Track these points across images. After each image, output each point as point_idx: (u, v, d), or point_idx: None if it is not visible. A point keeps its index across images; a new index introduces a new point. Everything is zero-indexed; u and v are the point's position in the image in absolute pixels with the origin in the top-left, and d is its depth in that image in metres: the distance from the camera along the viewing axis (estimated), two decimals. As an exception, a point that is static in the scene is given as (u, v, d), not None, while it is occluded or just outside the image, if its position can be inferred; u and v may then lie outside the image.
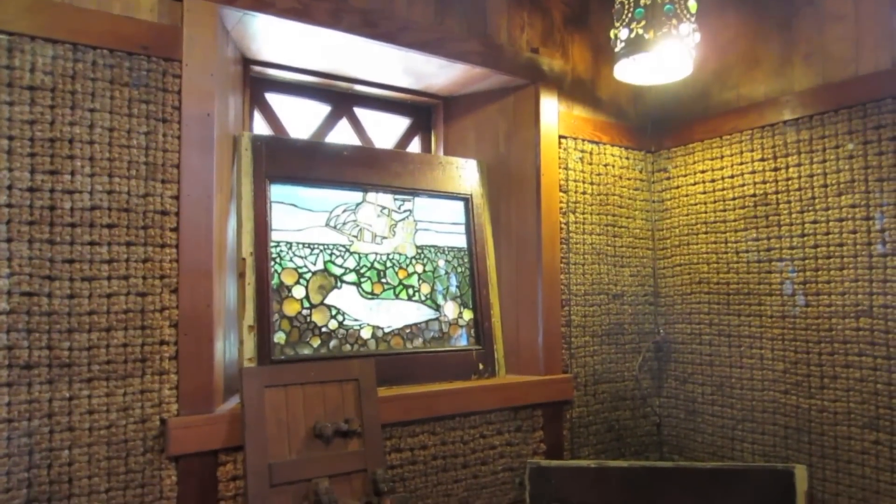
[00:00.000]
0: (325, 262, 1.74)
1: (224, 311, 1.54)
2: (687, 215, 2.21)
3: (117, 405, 1.33)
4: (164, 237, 1.39)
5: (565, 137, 2.08)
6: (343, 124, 2.07)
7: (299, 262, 1.70)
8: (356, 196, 1.83)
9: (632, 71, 1.84)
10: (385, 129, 2.17)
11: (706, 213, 2.14)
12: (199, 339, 1.42)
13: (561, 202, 2.05)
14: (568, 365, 2.05)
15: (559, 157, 2.05)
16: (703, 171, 2.15)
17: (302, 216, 1.72)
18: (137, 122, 1.37)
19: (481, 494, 1.85)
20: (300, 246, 1.71)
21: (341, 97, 2.06)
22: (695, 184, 2.18)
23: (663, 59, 1.77)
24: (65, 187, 1.29)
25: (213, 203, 1.45)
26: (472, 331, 1.97)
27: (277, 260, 1.66)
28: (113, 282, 1.33)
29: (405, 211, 1.91)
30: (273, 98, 1.94)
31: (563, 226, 2.06)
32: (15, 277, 1.24)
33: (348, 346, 1.73)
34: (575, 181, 2.10)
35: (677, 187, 2.24)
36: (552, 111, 2.04)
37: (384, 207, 1.87)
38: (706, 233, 2.14)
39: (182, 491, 1.39)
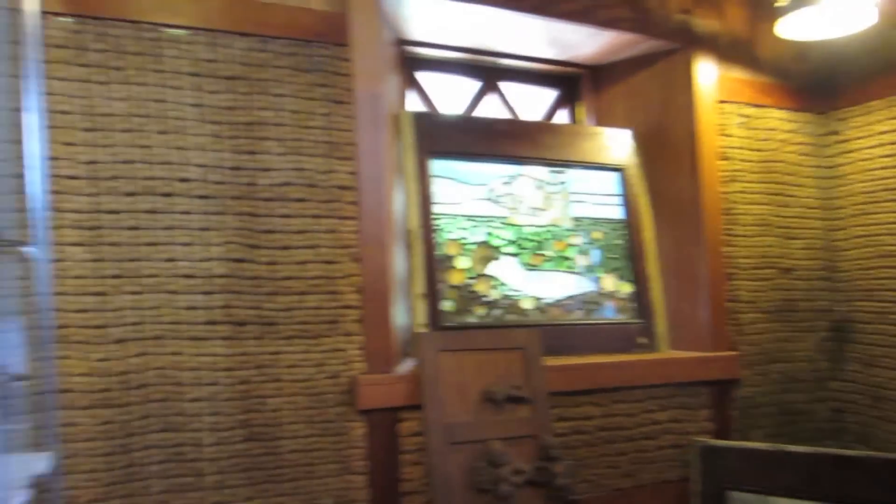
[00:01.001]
0: (485, 234, 1.85)
1: (396, 280, 1.69)
2: (866, 182, 2.09)
3: (313, 361, 1.51)
4: (345, 210, 1.56)
5: (724, 102, 2.05)
6: (490, 99, 2.18)
7: (461, 233, 1.82)
8: (512, 169, 1.92)
9: (796, 26, 1.79)
10: (531, 102, 2.25)
11: (890, 178, 2.01)
12: (380, 305, 1.57)
13: (722, 171, 2.02)
14: (735, 342, 2.01)
15: (718, 124, 2.03)
16: (884, 133, 2.03)
17: (461, 190, 1.85)
18: (317, 105, 1.55)
19: (647, 469, 1.87)
20: (461, 218, 1.83)
21: (488, 72, 2.17)
22: (875, 146, 2.06)
23: (836, 10, 1.71)
24: (261, 166, 1.49)
25: (387, 178, 1.60)
26: (632, 304, 1.99)
27: (441, 232, 1.79)
28: (304, 251, 1.52)
29: (559, 183, 1.98)
30: (423, 76, 2.09)
31: (724, 195, 2.03)
32: (227, 246, 1.46)
33: (511, 316, 1.83)
34: (736, 148, 2.06)
35: (853, 151, 2.13)
36: (708, 75, 2.02)
37: (539, 180, 1.95)
38: (890, 200, 2.01)
39: (370, 442, 1.55)
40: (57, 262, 1.34)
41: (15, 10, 1.22)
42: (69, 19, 1.34)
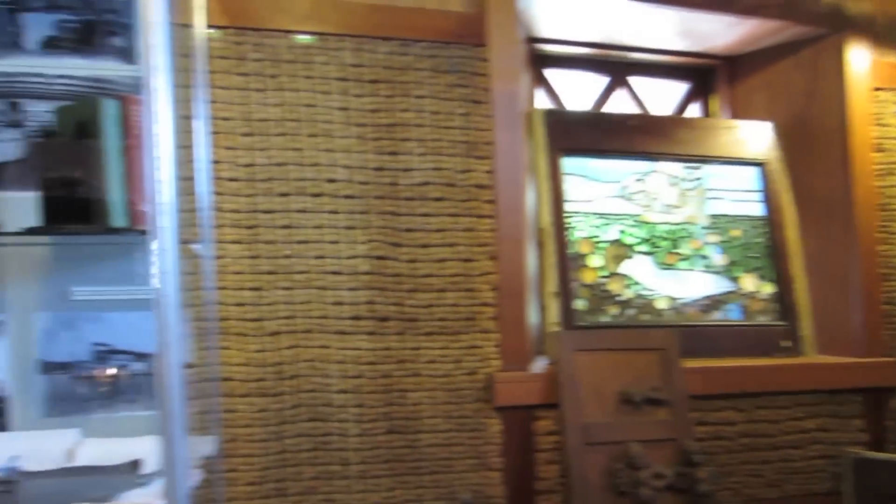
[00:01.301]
0: (618, 232, 1.82)
1: (530, 279, 1.69)
2: None
3: (451, 357, 1.54)
4: (482, 209, 1.58)
5: (879, 90, 1.90)
6: (618, 94, 2.13)
7: (593, 231, 1.80)
8: (644, 166, 1.88)
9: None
10: (660, 97, 2.18)
11: None
12: (516, 303, 1.58)
13: (877, 163, 1.88)
14: (892, 348, 1.87)
15: (872, 113, 1.89)
16: None
17: (593, 187, 1.82)
18: (455, 105, 1.58)
19: (793, 480, 1.77)
20: (594, 216, 1.80)
21: (616, 67, 2.13)
22: None
23: None
24: (402, 166, 1.54)
25: (522, 177, 1.61)
26: (773, 305, 1.89)
27: (573, 230, 1.78)
28: (443, 248, 1.55)
29: (695, 179, 1.91)
30: (550, 73, 2.07)
31: (879, 190, 1.88)
32: (371, 244, 1.52)
33: (645, 316, 1.78)
34: (893, 139, 1.91)
35: None
36: (862, 61, 1.88)
37: (673, 176, 1.90)
38: None
39: (506, 439, 1.56)
40: (218, 259, 1.44)
41: (184, 26, 1.32)
42: (231, 32, 1.44)
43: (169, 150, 1.07)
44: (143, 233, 1.11)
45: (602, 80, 2.14)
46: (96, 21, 1.36)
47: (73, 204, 1.09)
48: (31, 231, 1.13)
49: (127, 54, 1.38)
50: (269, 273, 1.47)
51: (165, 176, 1.07)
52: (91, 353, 1.39)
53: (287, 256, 1.47)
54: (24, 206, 1.31)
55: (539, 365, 1.65)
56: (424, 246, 1.54)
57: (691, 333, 1.77)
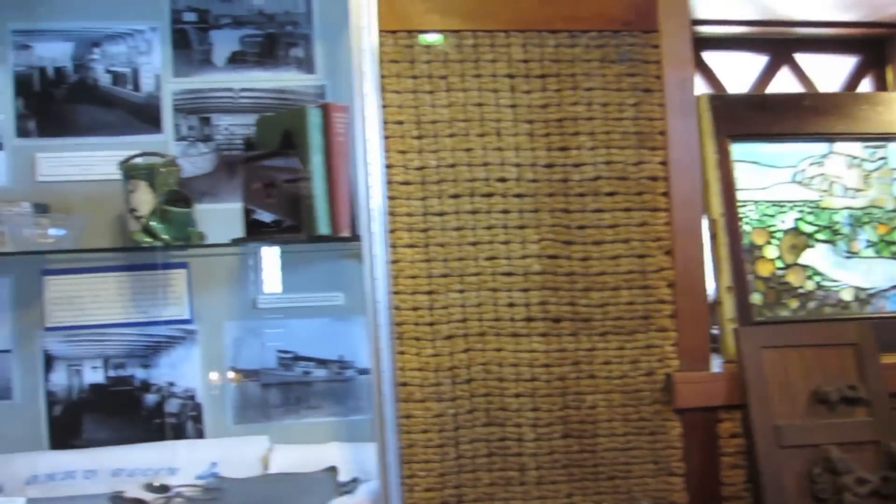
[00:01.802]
0: (794, 220, 1.70)
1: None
2: None
3: (627, 358, 1.50)
4: (656, 202, 1.51)
5: None
6: (780, 74, 2.00)
7: (768, 220, 1.69)
8: (820, 147, 1.75)
9: None
10: (825, 73, 2.03)
11: None
12: (693, 299, 1.51)
13: None
14: None
15: None
16: None
17: (765, 173, 1.72)
18: (626, 96, 1.52)
19: None
20: (767, 204, 1.70)
21: (778, 44, 1.99)
22: None
23: None
24: (573, 161, 1.50)
25: (697, 166, 1.54)
26: (975, 294, 1.73)
27: (746, 220, 1.68)
28: (616, 245, 1.50)
29: (879, 159, 1.77)
30: (708, 56, 1.97)
31: None
32: (542, 242, 1.49)
33: (828, 309, 1.67)
34: None
35: None
36: None
37: (854, 157, 1.76)
38: None
39: (687, 443, 1.50)
40: (393, 263, 1.45)
41: (357, 30, 1.32)
42: (402, 35, 1.44)
43: (378, 155, 1.08)
44: (352, 240, 1.14)
45: (761, 60, 2.01)
46: (277, 34, 1.40)
47: (277, 213, 1.12)
48: (238, 241, 1.17)
49: (306, 64, 1.41)
50: (443, 276, 1.47)
51: (376, 181, 1.08)
52: (276, 360, 1.43)
53: (460, 259, 1.47)
54: (215, 218, 1.36)
55: (716, 364, 1.58)
56: (597, 243, 1.50)
57: (883, 326, 1.64)
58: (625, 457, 1.50)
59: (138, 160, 1.24)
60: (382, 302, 1.09)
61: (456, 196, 1.47)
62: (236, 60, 1.40)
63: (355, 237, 1.17)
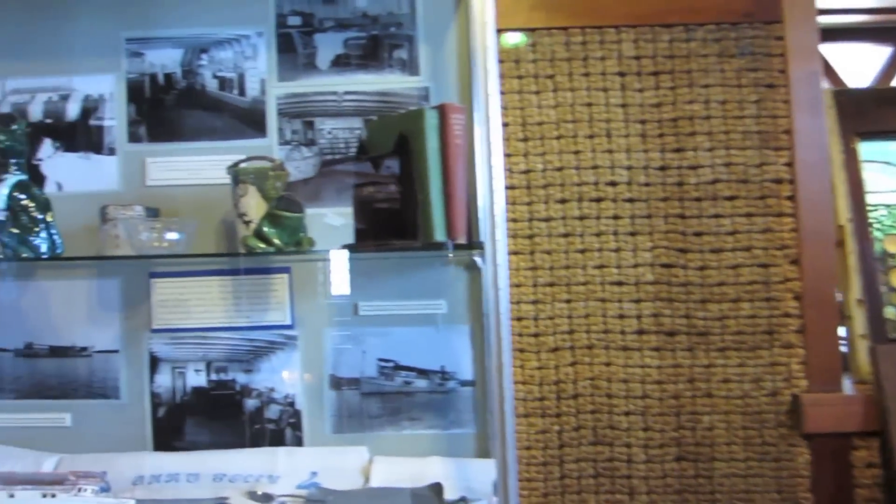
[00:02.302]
0: (935, 228, 1.56)
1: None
2: None
3: (749, 376, 1.39)
4: (780, 206, 1.41)
5: None
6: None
7: (904, 228, 1.55)
8: (965, 147, 1.60)
9: None
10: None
11: None
12: (824, 313, 1.39)
13: None
14: None
15: None
16: None
17: (899, 176, 1.58)
18: (747, 92, 1.42)
19: None
20: (904, 210, 1.56)
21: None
22: None
23: None
24: (688, 163, 1.41)
25: (827, 167, 1.42)
26: None
27: (876, 225, 1.55)
28: (737, 253, 1.40)
29: None
30: (825, 48, 1.83)
31: None
32: (656, 250, 1.41)
33: (976, 328, 1.51)
34: None
35: None
36: None
37: None
38: None
39: (816, 471, 1.38)
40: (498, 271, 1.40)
41: (480, 27, 1.28)
42: (506, 34, 1.40)
43: (500, 158, 1.04)
44: (470, 248, 1.10)
45: (883, 51, 1.86)
46: (381, 36, 1.38)
47: (390, 218, 1.09)
48: (349, 248, 1.15)
49: (409, 66, 1.38)
50: (549, 285, 1.41)
51: (499, 186, 1.04)
52: (376, 368, 1.41)
53: (567, 267, 1.40)
54: (319, 223, 1.35)
55: (846, 385, 1.45)
56: (716, 251, 1.40)
57: None
58: (745, 484, 1.39)
59: (247, 164, 1.24)
60: (504, 313, 1.04)
61: (563, 201, 1.41)
62: (340, 63, 1.39)
63: (472, 244, 1.13)
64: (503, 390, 1.07)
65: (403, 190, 1.07)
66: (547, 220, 1.41)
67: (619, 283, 1.41)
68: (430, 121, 1.06)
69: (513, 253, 1.40)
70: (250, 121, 1.40)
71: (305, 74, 1.39)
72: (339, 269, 1.37)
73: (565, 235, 1.41)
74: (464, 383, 1.41)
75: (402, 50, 1.38)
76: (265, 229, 1.10)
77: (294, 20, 1.38)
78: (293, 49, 1.39)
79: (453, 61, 1.39)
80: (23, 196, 1.13)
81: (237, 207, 1.23)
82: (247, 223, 1.22)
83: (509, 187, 1.40)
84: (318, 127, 1.39)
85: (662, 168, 1.41)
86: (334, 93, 1.38)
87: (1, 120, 1.32)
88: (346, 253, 1.17)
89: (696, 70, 1.42)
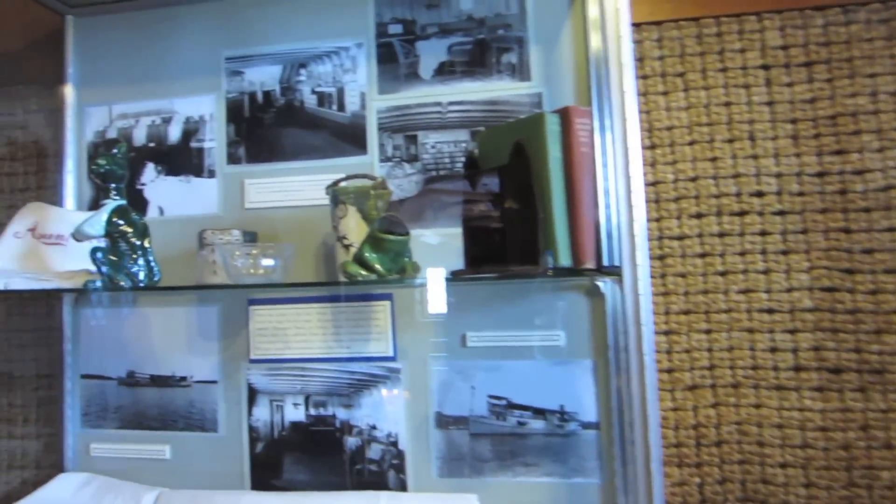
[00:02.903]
0: None
1: None
2: None
3: (942, 425, 1.15)
4: (974, 216, 1.17)
5: None
6: None
7: None
8: None
9: None
10: None
11: None
12: None
13: None
14: None
15: None
16: None
17: None
18: (926, 81, 1.20)
19: None
20: None
21: None
22: None
23: None
24: (853, 168, 1.20)
25: None
26: None
27: None
28: (919, 274, 1.17)
29: None
30: None
31: None
32: (814, 272, 1.20)
33: None
34: None
35: None
36: None
37: None
38: None
39: None
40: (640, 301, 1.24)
41: (614, 17, 1.15)
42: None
43: (639, 167, 0.90)
44: (601, 273, 0.96)
45: None
46: (488, 40, 1.27)
47: (506, 240, 0.96)
48: (459, 274, 1.03)
49: (520, 71, 1.26)
50: (684, 313, 1.23)
51: (639, 199, 0.90)
52: (487, 406, 1.27)
53: (705, 292, 1.22)
54: (422, 246, 1.25)
55: None
56: (891, 272, 1.18)
57: None
58: (938, 557, 1.14)
59: (347, 183, 1.15)
60: (649, 350, 0.89)
61: (699, 216, 1.24)
62: (444, 72, 1.29)
63: (601, 269, 0.98)
64: (648, 439, 0.91)
65: (521, 207, 0.94)
66: (680, 238, 1.24)
67: (770, 311, 1.21)
68: (552, 126, 0.92)
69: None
70: (350, 137, 1.32)
71: (407, 85, 1.30)
72: (444, 297, 1.25)
73: (702, 255, 1.23)
74: (586, 426, 1.24)
75: (511, 54, 1.26)
76: (366, 254, 1.00)
77: (395, 28, 1.30)
78: (394, 59, 1.31)
79: (569, 63, 1.26)
80: (121, 222, 1.10)
81: (337, 230, 1.14)
82: (347, 247, 1.13)
83: (635, 201, 1.24)
84: (422, 141, 1.29)
85: (820, 175, 1.21)
86: (438, 104, 1.28)
87: (105, 145, 1.31)
88: (453, 280, 1.05)
89: (858, 57, 1.21)
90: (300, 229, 1.31)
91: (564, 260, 0.93)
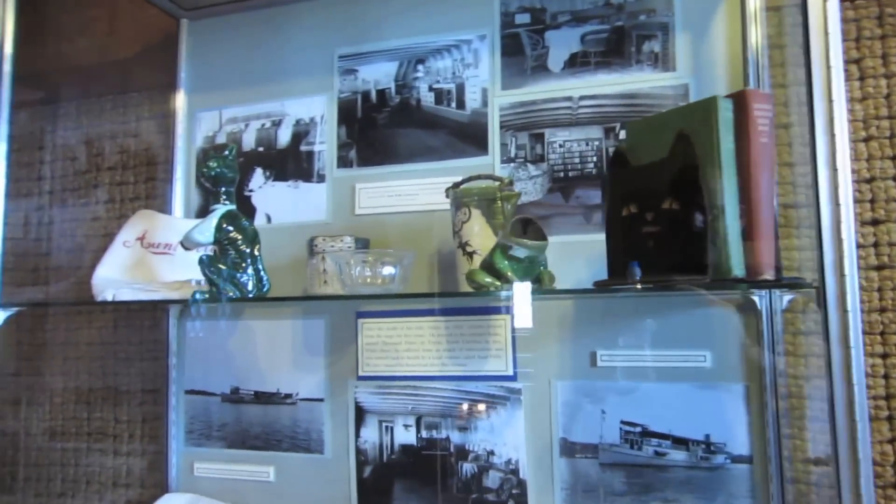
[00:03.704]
0: None
1: None
2: None
3: None
4: None
5: None
6: None
7: None
8: None
9: None
10: None
11: None
12: None
13: None
14: None
15: None
16: None
17: None
18: None
19: None
20: None
21: None
22: None
23: None
24: None
25: None
26: None
27: None
28: None
29: None
30: None
31: None
32: None
33: None
34: None
35: None
36: None
37: None
38: None
39: None
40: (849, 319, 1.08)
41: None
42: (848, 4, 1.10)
43: (846, 160, 0.76)
44: (784, 286, 0.83)
45: None
46: (627, 27, 1.16)
47: (662, 246, 0.84)
48: (604, 285, 0.91)
49: (663, 61, 1.14)
50: None
51: (846, 198, 0.76)
52: (620, 434, 1.14)
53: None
54: (551, 254, 1.14)
55: None
56: None
57: None
58: None
59: (469, 185, 1.06)
60: (859, 377, 0.74)
61: (874, 222, 1.07)
62: (576, 63, 1.18)
63: (781, 281, 0.84)
64: (859, 480, 0.76)
65: (683, 207, 0.81)
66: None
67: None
68: (724, 113, 0.80)
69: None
70: (469, 136, 1.23)
71: (534, 79, 1.20)
72: (574, 310, 1.13)
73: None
74: (736, 459, 1.09)
75: (653, 42, 1.14)
76: (497, 261, 0.90)
77: (522, 18, 1.21)
78: (520, 51, 1.21)
79: (721, 50, 1.12)
80: (231, 228, 1.04)
81: (458, 236, 1.05)
82: (469, 254, 1.03)
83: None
84: (549, 139, 1.18)
85: None
86: (568, 98, 1.18)
87: (215, 150, 1.28)
88: (597, 293, 0.93)
89: None
90: (414, 236, 1.23)
91: (737, 269, 0.79)
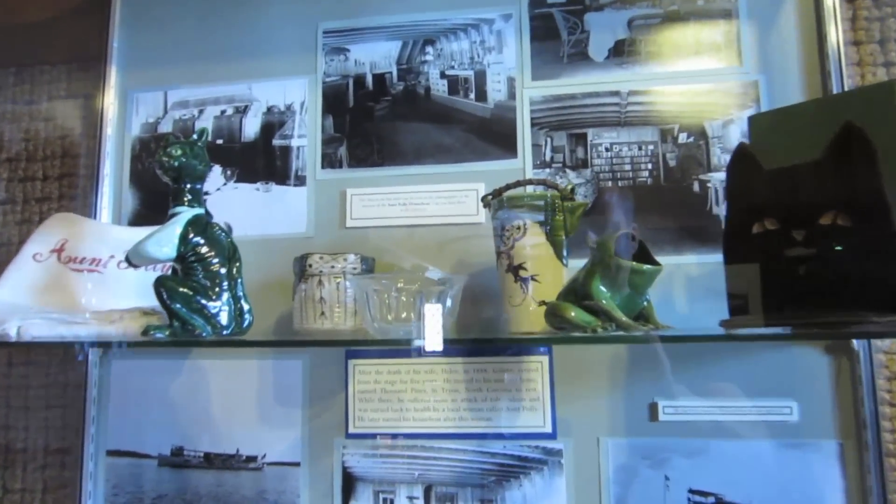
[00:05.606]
0: None
1: None
2: None
3: None
4: None
5: None
6: None
7: None
8: None
9: None
10: None
11: None
12: None
13: None
14: None
15: None
16: None
17: None
18: None
19: None
20: None
21: None
22: None
23: None
24: None
25: None
26: None
27: None
28: None
29: None
30: None
31: None
32: None
33: None
34: None
35: None
36: None
37: None
38: None
39: None
40: (885, 354, 0.87)
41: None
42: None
43: None
44: None
45: None
46: (681, 12, 0.93)
47: (815, 273, 0.60)
48: (730, 325, 0.65)
49: (727, 51, 0.92)
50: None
51: None
52: None
53: None
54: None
55: None
56: None
57: None
58: None
59: (517, 191, 0.79)
60: None
61: None
62: (622, 52, 0.94)
63: None
64: None
65: (856, 223, 0.58)
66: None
67: None
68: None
69: None
70: (492, 135, 0.96)
71: (572, 69, 0.95)
72: (628, 351, 0.88)
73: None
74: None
75: (714, 31, 0.92)
76: (596, 292, 0.63)
77: (559, -5, 0.96)
78: (555, 35, 0.96)
79: (792, 41, 0.91)
80: (200, 239, 0.71)
81: (508, 256, 0.77)
82: (524, 280, 0.75)
83: None
84: (593, 141, 0.93)
85: None
86: (615, 93, 0.93)
87: (158, 139, 0.93)
88: (728, 338, 0.67)
89: None
90: (424, 255, 0.93)
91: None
